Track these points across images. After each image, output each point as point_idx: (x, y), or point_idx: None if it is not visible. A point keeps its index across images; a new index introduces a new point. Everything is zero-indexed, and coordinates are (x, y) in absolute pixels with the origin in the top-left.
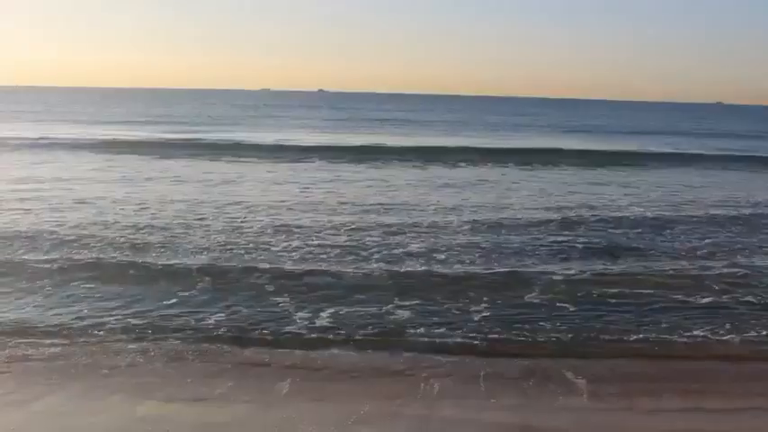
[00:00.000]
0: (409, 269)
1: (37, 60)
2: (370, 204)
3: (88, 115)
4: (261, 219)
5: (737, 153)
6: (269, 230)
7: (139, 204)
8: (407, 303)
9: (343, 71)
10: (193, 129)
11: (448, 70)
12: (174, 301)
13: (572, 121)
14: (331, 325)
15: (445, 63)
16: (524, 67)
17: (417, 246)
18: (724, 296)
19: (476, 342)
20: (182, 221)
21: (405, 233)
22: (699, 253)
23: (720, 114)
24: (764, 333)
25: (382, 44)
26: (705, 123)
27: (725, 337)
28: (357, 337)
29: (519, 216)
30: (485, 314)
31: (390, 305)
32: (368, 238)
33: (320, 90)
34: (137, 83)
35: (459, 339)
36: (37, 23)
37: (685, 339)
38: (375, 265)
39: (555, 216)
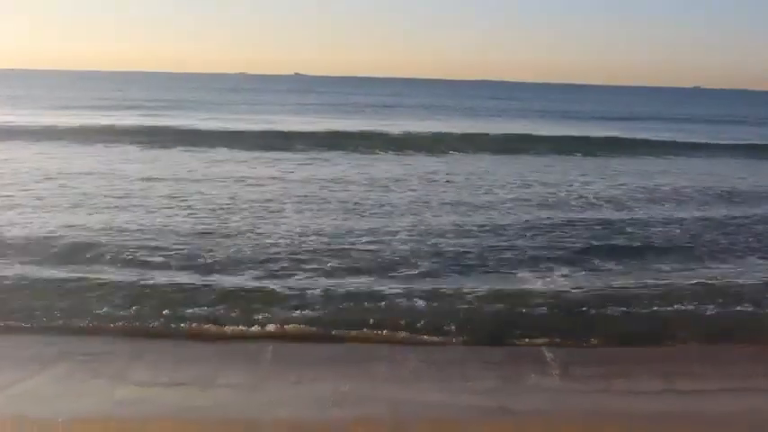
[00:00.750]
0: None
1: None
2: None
3: (67, 99)
4: (245, 207)
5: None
6: (250, 220)
7: (121, 197)
8: (391, 294)
9: (319, 55)
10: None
11: (416, 55)
12: (156, 288)
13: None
14: (314, 313)
15: (414, 48)
16: (505, 53)
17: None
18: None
19: (453, 327)
20: (161, 215)
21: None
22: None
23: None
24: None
25: (357, 29)
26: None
27: (700, 322)
28: (338, 326)
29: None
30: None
31: (374, 297)
32: (355, 231)
33: (296, 74)
34: (115, 66)
35: (437, 327)
36: (25, 10)
37: (659, 324)
38: (361, 262)
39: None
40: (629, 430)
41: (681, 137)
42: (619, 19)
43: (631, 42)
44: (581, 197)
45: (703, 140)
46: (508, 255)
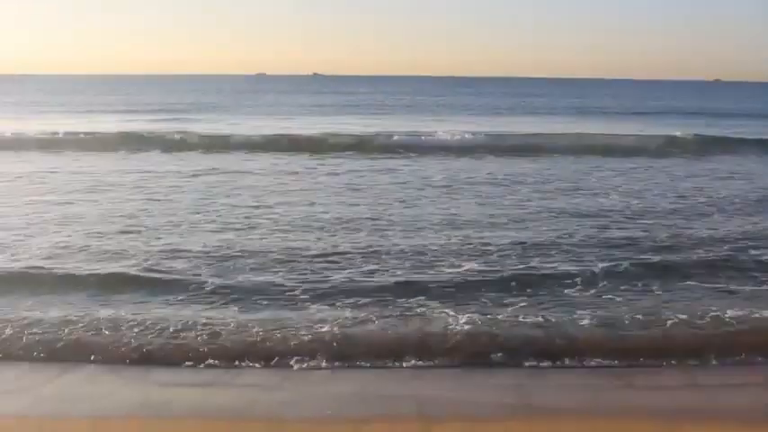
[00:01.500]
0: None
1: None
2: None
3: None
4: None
5: None
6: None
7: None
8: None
9: (336, 55)
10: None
11: (432, 54)
12: (182, 298)
13: (580, 102)
14: (343, 315)
15: (429, 47)
16: (528, 49)
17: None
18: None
19: (479, 322)
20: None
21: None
22: None
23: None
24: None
25: (373, 27)
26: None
27: (725, 317)
28: (364, 325)
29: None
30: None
31: (400, 300)
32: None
33: (315, 74)
34: (133, 69)
35: (461, 321)
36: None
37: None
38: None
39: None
40: (654, 425)
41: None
42: (632, 10)
43: (647, 34)
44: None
45: None
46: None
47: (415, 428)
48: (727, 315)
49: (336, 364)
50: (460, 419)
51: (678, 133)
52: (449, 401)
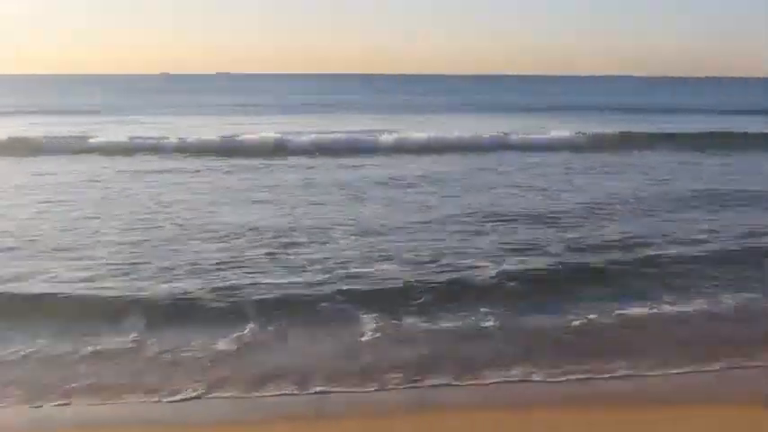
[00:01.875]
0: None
1: None
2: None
3: None
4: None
5: None
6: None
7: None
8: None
9: (240, 53)
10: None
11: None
12: (72, 315)
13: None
14: (248, 327)
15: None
16: (507, 44)
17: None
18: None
19: (388, 331)
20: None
21: None
22: None
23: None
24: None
25: (279, 25)
26: None
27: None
28: (267, 340)
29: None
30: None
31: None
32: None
33: (218, 73)
34: (24, 69)
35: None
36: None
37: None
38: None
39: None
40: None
41: None
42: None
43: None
44: None
45: None
46: None
47: (312, 428)
48: (629, 312)
49: (240, 383)
50: (359, 417)
51: (597, 130)
52: (348, 401)
